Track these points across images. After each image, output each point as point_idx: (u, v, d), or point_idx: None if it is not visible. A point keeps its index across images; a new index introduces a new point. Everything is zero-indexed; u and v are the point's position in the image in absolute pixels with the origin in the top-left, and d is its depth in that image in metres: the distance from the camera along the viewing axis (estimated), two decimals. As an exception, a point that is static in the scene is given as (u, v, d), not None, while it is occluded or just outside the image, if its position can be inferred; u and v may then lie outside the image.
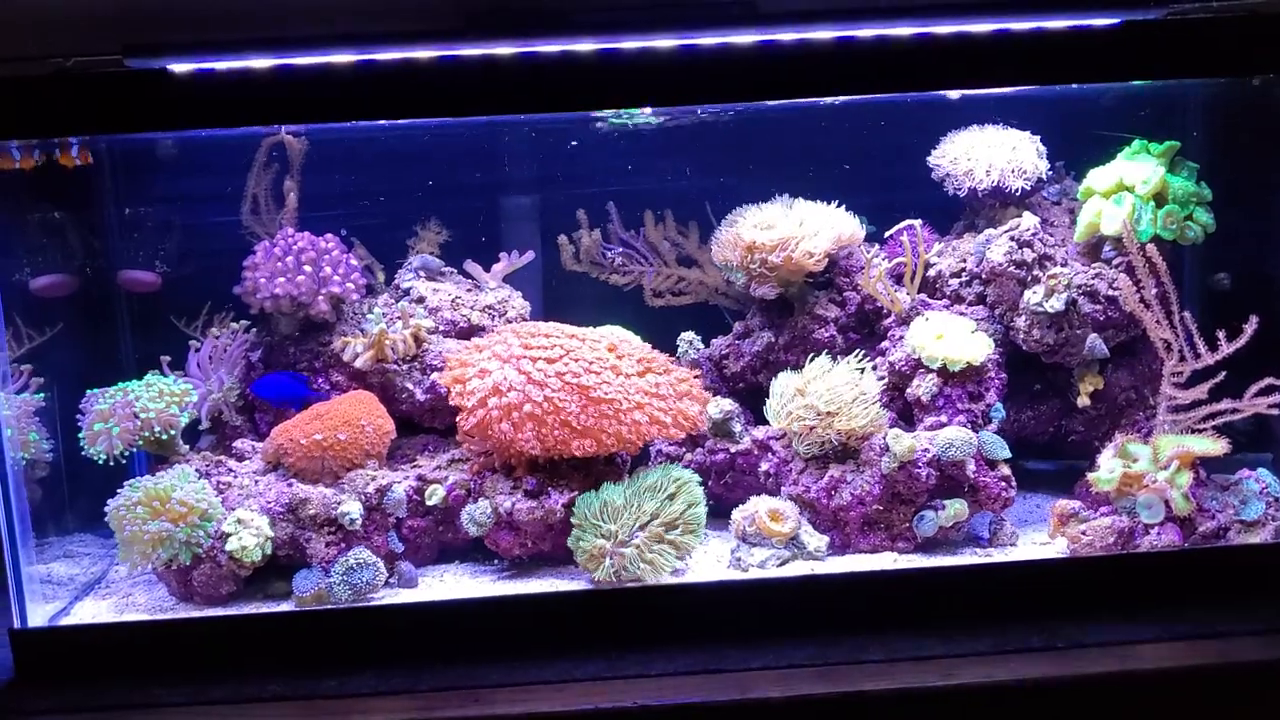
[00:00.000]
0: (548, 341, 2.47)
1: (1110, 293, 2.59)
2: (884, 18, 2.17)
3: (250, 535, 2.35)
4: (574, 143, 2.87)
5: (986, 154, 2.74)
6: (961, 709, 2.06)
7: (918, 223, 2.76)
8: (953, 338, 2.59)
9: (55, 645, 2.29)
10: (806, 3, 2.27)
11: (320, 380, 2.65)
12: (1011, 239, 2.63)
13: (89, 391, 2.52)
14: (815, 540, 2.45)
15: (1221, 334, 2.36)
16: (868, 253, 2.77)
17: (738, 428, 2.67)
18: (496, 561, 2.53)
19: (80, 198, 2.79)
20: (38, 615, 2.34)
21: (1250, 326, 2.32)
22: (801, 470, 2.55)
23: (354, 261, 2.70)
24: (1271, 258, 2.88)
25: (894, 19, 2.17)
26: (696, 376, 2.63)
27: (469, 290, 2.85)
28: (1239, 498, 2.39)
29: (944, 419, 2.55)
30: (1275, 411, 2.38)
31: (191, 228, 2.88)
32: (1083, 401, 2.66)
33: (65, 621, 2.36)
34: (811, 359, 2.60)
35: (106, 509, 2.36)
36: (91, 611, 2.41)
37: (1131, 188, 2.61)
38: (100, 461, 2.48)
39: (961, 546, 2.50)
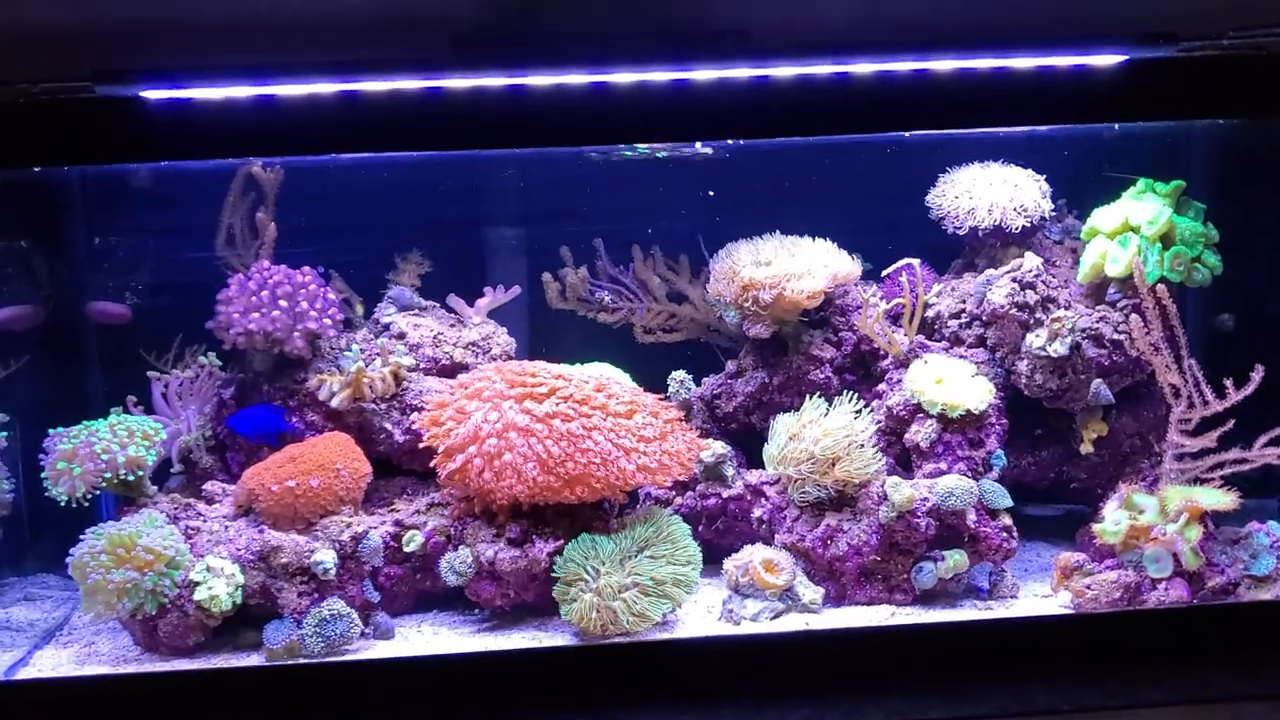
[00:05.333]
0: (533, 381, 2.39)
1: (1115, 336, 2.52)
2: (882, 52, 2.11)
3: (220, 584, 2.26)
4: (587, 187, 2.82)
5: (988, 192, 2.68)
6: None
7: (916, 262, 2.70)
8: (953, 382, 2.52)
9: (12, 700, 2.19)
10: (802, 36, 2.23)
11: (295, 419, 2.56)
12: (1013, 280, 2.57)
13: (52, 430, 2.43)
14: (810, 592, 2.37)
15: (1229, 382, 2.30)
16: (865, 292, 2.70)
17: (730, 471, 2.59)
18: (477, 611, 2.44)
19: (48, 226, 2.71)
20: (-6, 666, 2.25)
21: (1257, 375, 2.26)
22: (796, 518, 2.47)
23: (331, 296, 2.62)
24: (1276, 299, 2.84)
25: (893, 53, 2.11)
26: (688, 420, 2.56)
27: (452, 326, 2.78)
28: (1249, 552, 2.33)
29: (944, 466, 2.48)
30: (1285, 461, 2.32)
31: (164, 259, 2.81)
32: (1086, 448, 2.59)
33: (24, 673, 2.27)
34: (814, 402, 2.52)
35: (69, 557, 2.26)
36: (52, 661, 2.31)
37: (1137, 228, 2.54)
38: (63, 503, 2.39)
39: (961, 599, 2.43)
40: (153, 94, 2.06)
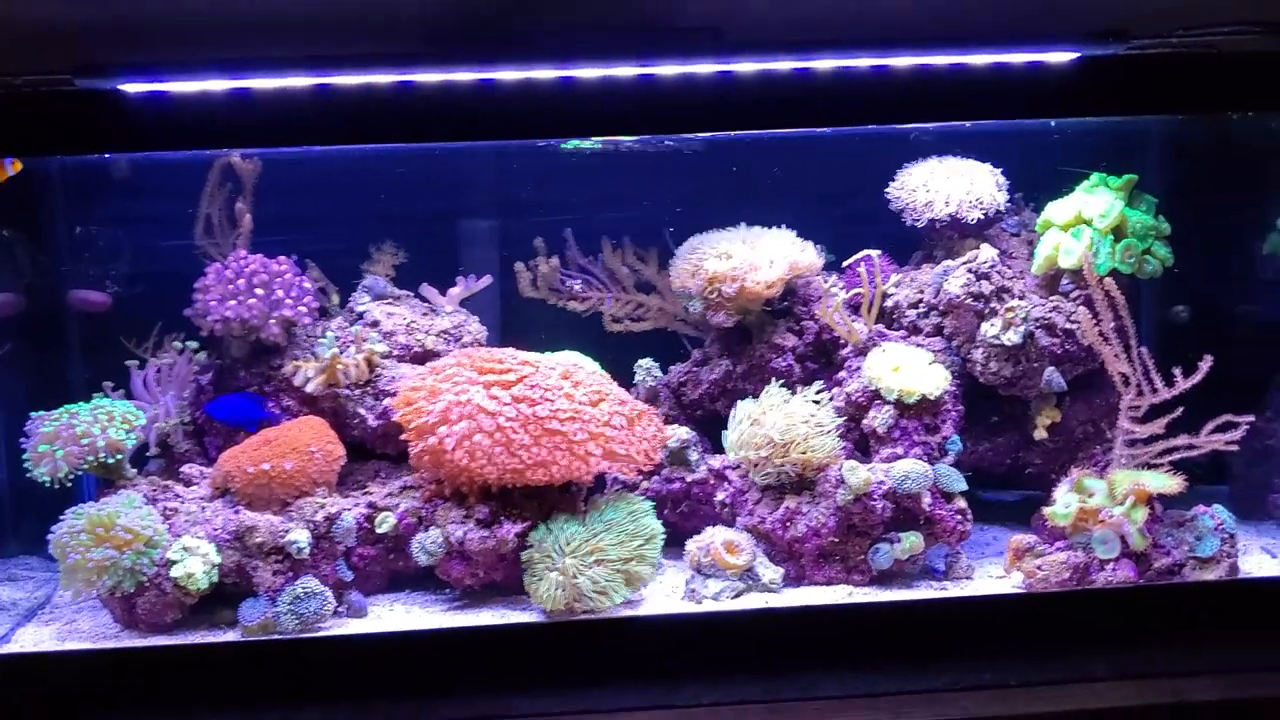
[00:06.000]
0: (501, 367, 2.45)
1: (1068, 326, 2.59)
2: (842, 49, 2.16)
3: (196, 563, 2.30)
4: (557, 179, 2.85)
5: (945, 185, 2.74)
6: (913, 747, 2.05)
7: (876, 253, 2.76)
8: (909, 369, 2.58)
9: (-4, 673, 2.24)
10: (770, 33, 2.27)
11: (272, 405, 2.62)
12: (969, 271, 2.63)
13: (34, 414, 2.48)
14: (770, 572, 2.43)
15: (1178, 370, 2.36)
16: (826, 282, 2.76)
17: (694, 456, 2.65)
18: (448, 591, 2.49)
19: (29, 215, 2.75)
20: (-23, 642, 2.29)
21: (1205, 365, 2.32)
22: (757, 501, 2.53)
23: (307, 284, 2.66)
24: (1229, 291, 2.91)
25: (852, 50, 2.16)
26: (654, 406, 2.62)
27: (424, 314, 2.82)
28: (1194, 534, 2.39)
29: (900, 451, 2.54)
30: (1233, 447, 2.38)
31: (143, 248, 2.85)
32: (1040, 434, 2.66)
33: (5, 649, 2.31)
34: (773, 388, 2.58)
35: (50, 536, 2.31)
36: (34, 638, 2.36)
37: (1090, 221, 2.61)
38: (45, 484, 2.43)
39: (917, 579, 2.49)
40: (131, 87, 2.09)
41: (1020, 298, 2.63)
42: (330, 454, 2.49)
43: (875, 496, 2.42)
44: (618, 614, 2.31)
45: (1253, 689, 2.14)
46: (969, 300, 2.61)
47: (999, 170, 2.79)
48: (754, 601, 2.39)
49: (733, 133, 2.60)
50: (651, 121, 2.28)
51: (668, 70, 2.15)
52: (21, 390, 2.71)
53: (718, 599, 2.38)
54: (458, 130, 2.25)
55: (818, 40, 2.17)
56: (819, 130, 2.55)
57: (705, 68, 2.15)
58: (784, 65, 2.16)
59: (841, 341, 2.71)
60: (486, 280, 2.86)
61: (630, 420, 2.46)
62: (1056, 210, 2.66)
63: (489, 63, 2.12)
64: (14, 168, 2.39)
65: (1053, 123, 2.70)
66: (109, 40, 2.18)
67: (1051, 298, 2.64)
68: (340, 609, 2.37)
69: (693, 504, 2.65)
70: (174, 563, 2.30)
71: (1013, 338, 2.55)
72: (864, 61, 2.17)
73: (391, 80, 2.12)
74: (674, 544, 2.50)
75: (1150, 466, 2.42)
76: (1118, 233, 2.60)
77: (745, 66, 2.16)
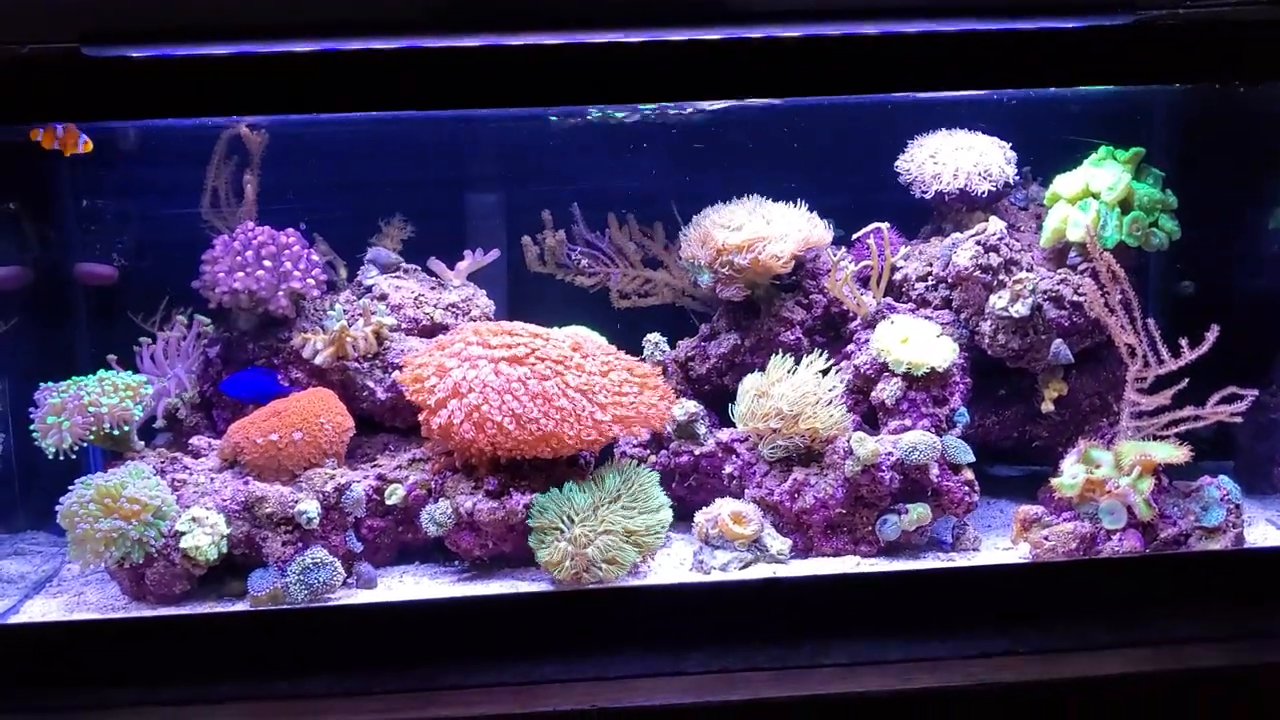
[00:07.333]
0: (511, 340, 2.45)
1: (1075, 298, 2.59)
2: (853, 20, 2.15)
3: (205, 534, 2.31)
4: (565, 150, 2.83)
5: (953, 158, 2.74)
6: (920, 713, 2.06)
7: (885, 226, 2.76)
8: (918, 342, 2.58)
9: (3, 644, 2.24)
10: (775, 3, 2.27)
11: (283, 378, 2.62)
12: (978, 243, 2.63)
13: (42, 385, 2.48)
14: (778, 543, 2.44)
15: (1184, 341, 2.36)
16: (834, 255, 2.76)
17: (702, 430, 2.66)
18: (457, 562, 2.50)
19: (36, 188, 2.74)
20: (-14, 613, 2.30)
21: (1211, 335, 2.33)
22: (765, 473, 2.53)
23: (315, 257, 2.67)
24: (1235, 265, 2.91)
25: (862, 21, 2.15)
26: (661, 374, 2.63)
27: (432, 288, 2.83)
28: (1200, 504, 2.39)
29: (908, 423, 2.54)
30: (1237, 420, 2.39)
31: (150, 220, 2.84)
32: (1047, 407, 2.66)
33: (14, 620, 2.32)
34: (779, 360, 2.59)
35: (58, 507, 2.31)
36: (42, 610, 2.36)
37: (1097, 194, 2.61)
38: (51, 456, 2.43)
39: (924, 551, 2.50)
40: (138, 54, 2.08)
41: (1028, 270, 2.63)
42: (339, 425, 2.50)
43: (883, 468, 2.43)
44: (626, 584, 2.32)
45: (1257, 656, 2.15)
46: (977, 273, 2.61)
47: (1007, 144, 2.79)
48: (762, 572, 2.39)
49: (738, 102, 2.59)
50: (657, 89, 2.28)
51: (674, 38, 2.14)
52: (27, 365, 2.71)
53: (725, 570, 2.38)
54: (463, 98, 2.25)
55: (826, 8, 2.16)
56: (826, 100, 2.56)
57: (712, 37, 2.15)
58: (790, 33, 2.16)
59: (850, 315, 2.72)
60: (494, 254, 2.86)
61: (641, 385, 2.47)
62: (1064, 183, 2.67)
63: (495, 31, 2.11)
64: (84, 147, 2.40)
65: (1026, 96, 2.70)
66: (116, 7, 2.17)
67: (1059, 270, 2.65)
68: (350, 580, 2.38)
69: (701, 477, 2.65)
70: (183, 534, 2.31)
71: (1020, 310, 2.55)
72: (871, 29, 2.16)
73: (396, 46, 2.11)
74: (682, 517, 2.51)
75: (1156, 438, 2.43)
76: (1125, 206, 2.61)
77: (753, 34, 2.15)
